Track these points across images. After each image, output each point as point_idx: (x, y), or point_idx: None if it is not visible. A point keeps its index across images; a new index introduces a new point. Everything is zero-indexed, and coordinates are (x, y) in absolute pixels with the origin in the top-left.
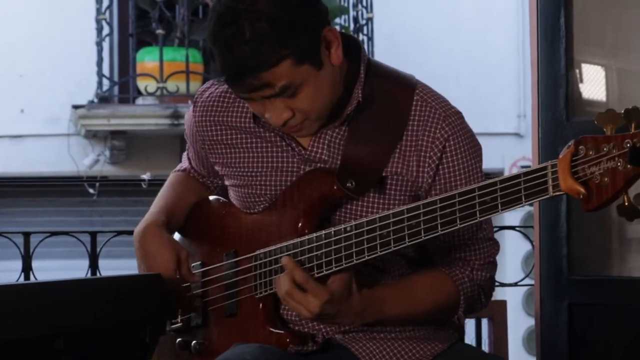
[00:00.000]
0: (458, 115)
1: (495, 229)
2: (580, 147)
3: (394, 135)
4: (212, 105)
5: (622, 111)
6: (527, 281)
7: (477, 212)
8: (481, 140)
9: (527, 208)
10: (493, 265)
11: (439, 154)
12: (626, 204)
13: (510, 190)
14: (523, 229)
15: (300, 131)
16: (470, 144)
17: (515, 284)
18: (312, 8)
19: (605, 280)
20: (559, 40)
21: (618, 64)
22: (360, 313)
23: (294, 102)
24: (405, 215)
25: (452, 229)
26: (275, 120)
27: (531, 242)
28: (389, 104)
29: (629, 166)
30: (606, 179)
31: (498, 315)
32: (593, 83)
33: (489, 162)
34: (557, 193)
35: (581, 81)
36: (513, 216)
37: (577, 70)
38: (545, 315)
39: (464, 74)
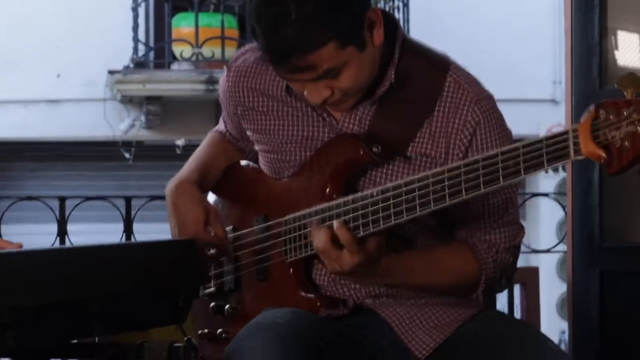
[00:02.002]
0: (490, 99)
1: (528, 195)
2: (601, 111)
3: (423, 114)
4: (246, 72)
5: None
6: (561, 247)
7: (500, 177)
8: (516, 107)
9: (562, 174)
10: (517, 249)
11: (469, 137)
12: None
13: (533, 154)
14: (557, 195)
15: (338, 106)
16: (500, 129)
17: (548, 251)
18: None
19: (637, 248)
20: (593, 9)
21: None
22: (384, 276)
23: (335, 82)
24: (430, 180)
25: (476, 193)
26: (315, 100)
27: (564, 209)
28: (421, 83)
29: None
30: (626, 143)
31: (530, 281)
32: (628, 50)
33: (524, 128)
34: (579, 157)
35: (616, 48)
36: (548, 183)
37: (612, 38)
38: (577, 282)
39: (500, 40)
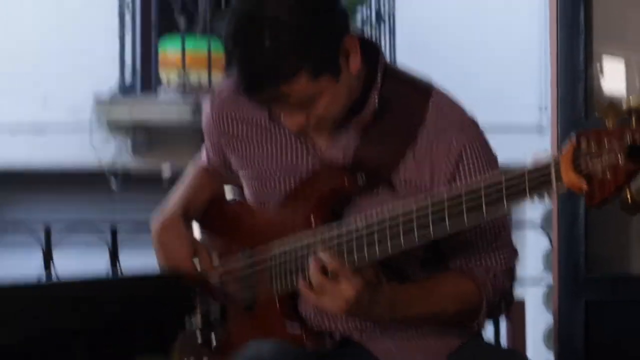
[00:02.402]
0: (474, 123)
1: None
2: (582, 141)
3: (407, 141)
4: (229, 101)
5: (623, 103)
6: (547, 277)
7: (484, 209)
8: (503, 134)
9: (548, 204)
10: (513, 272)
11: (454, 163)
12: (629, 199)
13: (515, 185)
14: (543, 225)
15: (315, 131)
16: (486, 153)
17: (534, 281)
18: (334, 17)
19: (623, 278)
20: (578, 36)
21: (639, 56)
22: (391, 305)
23: (310, 110)
24: (415, 214)
25: (460, 226)
26: (290, 126)
27: (550, 239)
28: (405, 109)
29: (629, 161)
30: (608, 174)
31: (516, 314)
32: (614, 77)
33: (510, 155)
34: (561, 188)
35: (602, 75)
36: (534, 212)
37: (598, 65)
38: (562, 312)
39: (486, 67)
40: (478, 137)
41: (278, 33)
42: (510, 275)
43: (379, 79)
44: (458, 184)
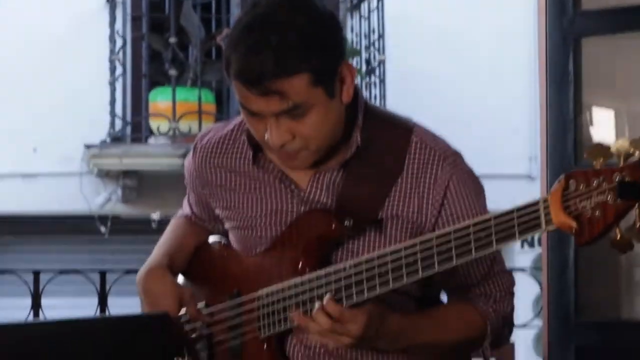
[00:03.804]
0: (457, 155)
1: None
2: (571, 181)
3: (392, 177)
4: (212, 149)
5: (611, 145)
6: (537, 322)
7: (473, 249)
8: (493, 183)
9: (538, 249)
10: (512, 297)
11: (442, 194)
12: (618, 237)
13: (504, 226)
14: (533, 271)
15: (294, 160)
16: (472, 183)
17: (524, 326)
18: (339, 39)
19: (613, 324)
20: (567, 86)
21: (628, 107)
22: (396, 336)
23: (298, 125)
24: (403, 253)
25: (449, 265)
26: (275, 141)
27: (540, 284)
28: (387, 146)
29: (618, 200)
30: (597, 213)
31: (506, 357)
32: (603, 126)
33: (500, 204)
34: (550, 228)
35: (591, 124)
36: (523, 258)
37: (587, 114)
38: (552, 357)
39: (476, 116)
40: (463, 167)
41: (286, 34)
42: (509, 300)
43: (360, 118)
44: (445, 213)
